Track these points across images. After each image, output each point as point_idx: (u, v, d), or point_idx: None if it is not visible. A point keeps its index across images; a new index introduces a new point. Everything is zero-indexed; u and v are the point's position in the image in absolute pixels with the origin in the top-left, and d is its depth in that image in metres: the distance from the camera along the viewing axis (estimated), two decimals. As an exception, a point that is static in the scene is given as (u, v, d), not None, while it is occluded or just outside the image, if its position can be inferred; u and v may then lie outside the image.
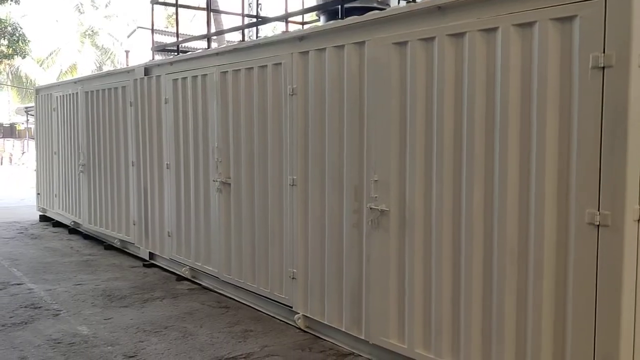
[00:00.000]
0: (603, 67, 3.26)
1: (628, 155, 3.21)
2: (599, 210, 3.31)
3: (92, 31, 42.42)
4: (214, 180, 6.67)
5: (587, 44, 3.34)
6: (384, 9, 5.93)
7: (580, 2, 3.36)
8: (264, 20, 8.14)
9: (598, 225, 3.32)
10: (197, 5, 9.48)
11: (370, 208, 4.70)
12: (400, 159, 4.50)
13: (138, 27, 31.20)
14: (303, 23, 9.49)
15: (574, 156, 3.44)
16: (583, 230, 3.39)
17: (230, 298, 6.55)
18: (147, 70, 8.08)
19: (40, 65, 40.14)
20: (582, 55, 3.36)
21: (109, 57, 41.65)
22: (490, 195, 3.89)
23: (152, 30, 8.53)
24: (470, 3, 3.96)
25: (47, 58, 40.90)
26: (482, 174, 3.94)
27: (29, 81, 38.04)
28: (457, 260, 4.12)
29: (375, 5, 6.13)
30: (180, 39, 8.11)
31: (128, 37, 35.05)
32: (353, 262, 4.96)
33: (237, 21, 7.35)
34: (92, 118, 9.64)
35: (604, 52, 3.26)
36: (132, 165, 8.52)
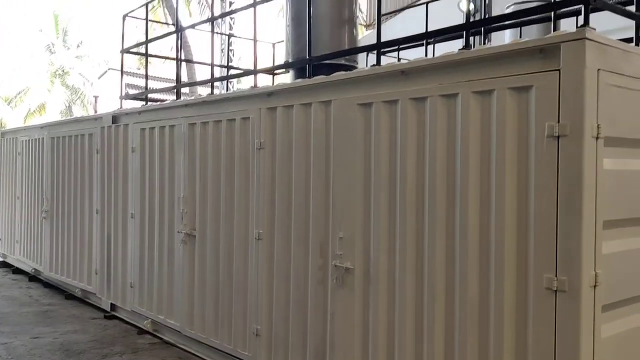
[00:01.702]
0: (558, 137, 3.37)
1: (583, 222, 3.29)
2: (556, 275, 3.37)
3: (63, 71, 42.19)
4: (178, 232, 6.60)
5: (542, 113, 3.46)
6: (353, 67, 6.09)
7: (536, 73, 3.49)
8: (234, 75, 8.23)
9: (556, 291, 3.37)
10: (167, 55, 9.55)
11: (335, 265, 4.70)
12: (365, 216, 4.54)
13: (109, 69, 31.14)
14: (273, 74, 9.61)
15: (531, 221, 3.51)
16: (541, 294, 3.44)
17: (193, 354, 6.39)
18: (115, 118, 8.05)
19: (9, 104, 39.62)
20: (538, 124, 3.48)
21: (79, 97, 41.36)
22: (451, 255, 3.94)
23: (122, 78, 8.55)
24: (432, 69, 4.08)
25: (15, 97, 40.42)
26: (443, 234, 3.99)
27: (-3, 123, 37.42)
28: (420, 320, 4.12)
29: (343, 62, 6.25)
30: (149, 89, 8.12)
31: (99, 78, 34.97)
32: (317, 320, 4.92)
33: (209, 69, 7.38)
34: (58, 164, 9.51)
35: (558, 121, 3.38)
36: (97, 213, 8.38)
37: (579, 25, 3.42)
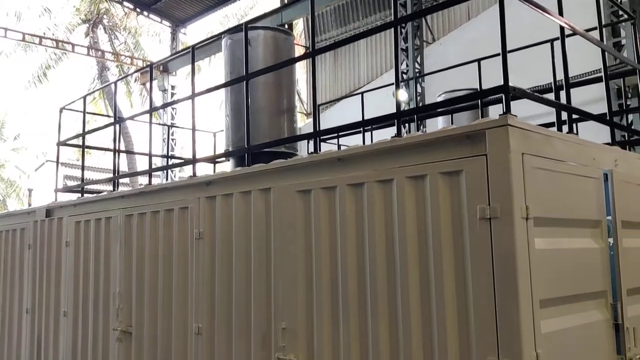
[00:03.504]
0: (490, 218, 3.46)
1: (520, 302, 3.32)
2: (498, 357, 3.35)
3: (-1, 164, 41.01)
4: (114, 329, 6.26)
5: (473, 196, 3.56)
6: (293, 155, 6.17)
7: (465, 158, 3.62)
8: (172, 165, 8.20)
9: (499, 374, 3.34)
10: (107, 147, 9.44)
11: (279, 358, 4.53)
12: (308, 304, 4.44)
13: (47, 161, 30.54)
14: (214, 162, 9.64)
15: (471, 303, 3.52)
16: (486, 378, 3.40)
17: None
18: (49, 211, 7.78)
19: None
20: (470, 207, 3.57)
21: (14, 190, 40.05)
22: (395, 344, 3.87)
23: (57, 171, 8.36)
24: (367, 156, 4.18)
25: (-54, 191, 38.74)
26: (386, 321, 3.94)
27: None
28: (367, 413, 3.98)
29: (283, 150, 6.34)
30: (86, 180, 7.96)
31: (36, 170, 34.15)
32: (261, 418, 4.67)
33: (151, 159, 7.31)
34: (-15, 261, 9.01)
35: (489, 204, 3.47)
36: (27, 313, 7.90)
37: (502, 112, 3.60)
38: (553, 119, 5.15)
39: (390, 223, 3.98)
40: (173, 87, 20.66)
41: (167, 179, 13.92)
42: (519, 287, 3.33)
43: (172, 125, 16.46)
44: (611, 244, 4.25)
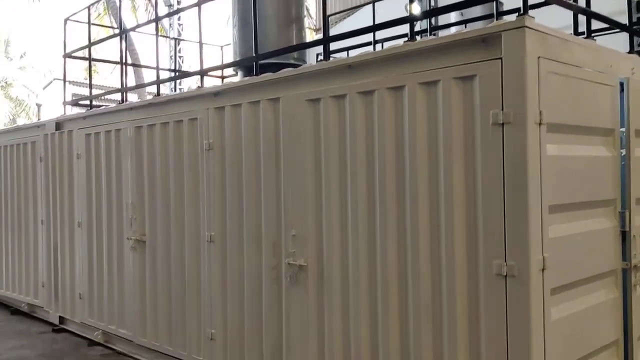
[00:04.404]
0: (502, 124, 3.42)
1: (529, 207, 3.34)
2: (505, 261, 3.41)
3: (6, 82, 40.79)
4: (127, 238, 6.41)
5: (486, 101, 3.50)
6: (300, 65, 6.05)
7: (479, 62, 3.53)
8: (179, 76, 8.08)
9: (505, 276, 3.40)
10: (112, 59, 9.31)
11: (289, 263, 4.64)
12: (317, 212, 4.50)
13: (54, 79, 30.29)
14: (222, 76, 9.51)
15: (479, 208, 3.55)
16: (492, 281, 3.47)
17: (146, 363, 6.22)
18: (59, 125, 7.78)
19: (-51, 116, 37.99)
20: (482, 112, 3.52)
21: (24, 109, 40.04)
22: (403, 248, 3.94)
23: (65, 84, 8.29)
24: (378, 62, 4.09)
25: (-44, 109, 38.79)
26: (395, 225, 3.99)
27: None
28: (375, 317, 4.10)
29: (292, 61, 6.20)
30: (94, 93, 7.90)
31: (44, 88, 33.95)
32: (272, 321, 4.84)
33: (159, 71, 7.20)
34: (0, 174, 9.14)
35: (502, 109, 3.42)
36: (42, 224, 8.07)
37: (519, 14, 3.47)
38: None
39: (401, 131, 3.94)
40: (179, 2, 20.11)
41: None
42: (528, 193, 3.34)
43: (179, 39, 16.13)
44: (623, 154, 4.22)
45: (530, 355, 3.33)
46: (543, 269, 3.40)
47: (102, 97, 9.47)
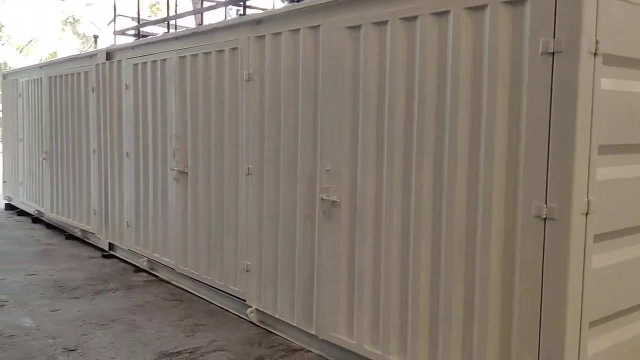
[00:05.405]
0: (553, 53, 3.11)
1: (576, 146, 3.06)
2: (546, 203, 3.16)
3: (74, 19, 41.71)
4: (171, 169, 6.46)
5: (537, 28, 3.18)
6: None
7: (531, -16, 3.20)
8: (227, 2, 7.90)
9: (545, 218, 3.17)
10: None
11: (322, 199, 4.54)
12: (352, 148, 4.33)
13: (118, 15, 30.57)
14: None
15: (522, 145, 3.28)
16: (530, 222, 3.24)
17: (186, 291, 6.36)
18: (109, 54, 7.83)
19: (20, 52, 39.40)
20: (532, 40, 3.21)
21: (90, 46, 40.98)
22: (439, 185, 3.74)
23: (115, 13, 8.28)
24: (423, -15, 3.79)
25: (26, 45, 40.14)
26: (431, 162, 3.78)
27: (7, 68, 37.31)
28: (406, 253, 3.97)
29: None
30: (141, 23, 7.86)
31: (108, 24, 34.46)
32: (305, 255, 4.79)
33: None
34: (56, 104, 9.37)
35: (554, 37, 3.10)
36: (94, 153, 8.27)
37: None
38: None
39: (444, 59, 3.67)
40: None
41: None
42: (576, 130, 3.06)
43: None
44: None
45: (566, 301, 3.12)
46: (587, 214, 3.15)
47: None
